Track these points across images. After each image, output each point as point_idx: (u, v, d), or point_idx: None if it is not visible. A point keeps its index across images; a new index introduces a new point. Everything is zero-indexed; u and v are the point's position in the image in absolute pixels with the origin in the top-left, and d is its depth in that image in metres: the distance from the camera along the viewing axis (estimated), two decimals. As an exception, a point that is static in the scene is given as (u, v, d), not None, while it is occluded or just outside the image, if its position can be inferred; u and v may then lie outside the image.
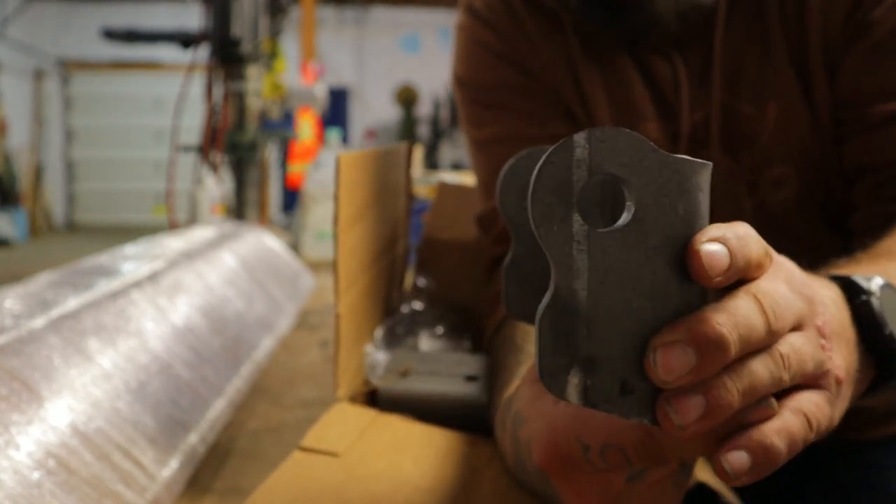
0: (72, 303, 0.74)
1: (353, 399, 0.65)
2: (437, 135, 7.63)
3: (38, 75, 7.71)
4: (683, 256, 0.29)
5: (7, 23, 6.85)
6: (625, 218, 0.28)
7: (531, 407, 0.39)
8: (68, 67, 8.02)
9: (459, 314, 0.85)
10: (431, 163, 7.17)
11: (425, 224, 1.01)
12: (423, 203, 2.19)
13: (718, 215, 0.69)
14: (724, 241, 0.29)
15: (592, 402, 0.29)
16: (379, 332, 0.75)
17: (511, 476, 0.53)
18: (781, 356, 0.30)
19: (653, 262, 0.28)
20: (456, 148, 7.27)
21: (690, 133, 0.67)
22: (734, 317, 0.29)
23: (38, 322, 0.66)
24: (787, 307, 0.30)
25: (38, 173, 7.57)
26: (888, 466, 0.72)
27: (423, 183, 3.32)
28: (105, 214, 8.29)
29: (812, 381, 0.32)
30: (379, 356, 0.70)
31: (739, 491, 0.76)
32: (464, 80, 0.76)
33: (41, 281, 0.86)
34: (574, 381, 0.28)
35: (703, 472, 0.58)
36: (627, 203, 0.28)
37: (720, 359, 0.28)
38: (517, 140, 0.72)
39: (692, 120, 0.66)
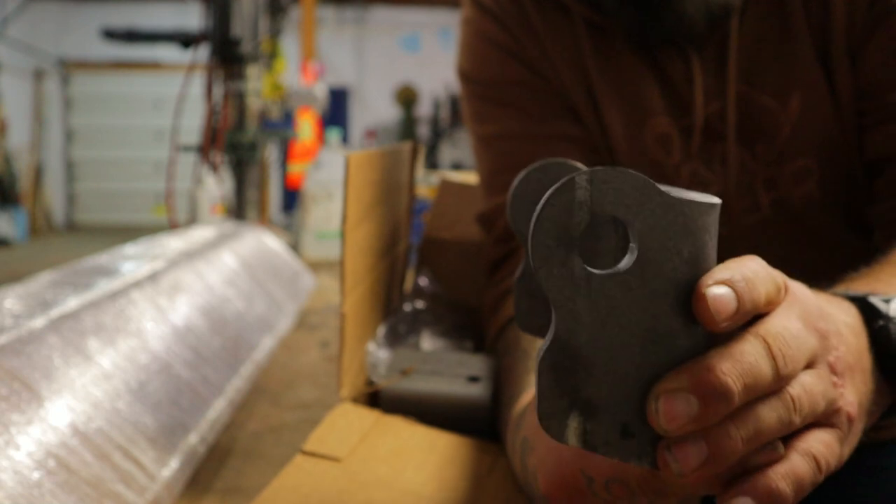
0: (72, 303, 0.74)
1: (356, 399, 0.65)
2: (437, 135, 7.63)
3: (38, 75, 7.71)
4: (688, 300, 0.28)
5: (7, 23, 6.85)
6: (627, 261, 0.27)
7: (538, 435, 0.38)
8: (68, 67, 8.01)
9: (460, 313, 0.85)
10: (431, 163, 7.17)
11: (426, 223, 1.01)
12: (424, 203, 2.19)
13: (735, 210, 0.68)
14: (731, 283, 0.28)
15: (592, 446, 0.28)
16: (381, 331, 0.75)
17: (515, 485, 0.53)
18: (792, 399, 0.29)
19: (656, 305, 0.28)
20: (456, 148, 7.27)
21: (704, 126, 0.66)
22: (740, 364, 0.28)
23: (38, 322, 0.66)
24: (798, 348, 0.30)
25: (38, 173, 7.57)
26: (892, 468, 0.71)
27: (423, 183, 3.32)
28: (105, 214, 8.28)
29: (823, 418, 0.32)
30: (381, 354, 0.70)
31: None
32: (469, 75, 0.75)
33: (41, 281, 0.86)
34: (573, 425, 0.28)
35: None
36: (630, 245, 0.27)
37: (724, 408, 0.27)
38: (521, 137, 0.71)
39: (706, 112, 0.66)
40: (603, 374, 0.28)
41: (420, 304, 0.84)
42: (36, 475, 0.51)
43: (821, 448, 0.31)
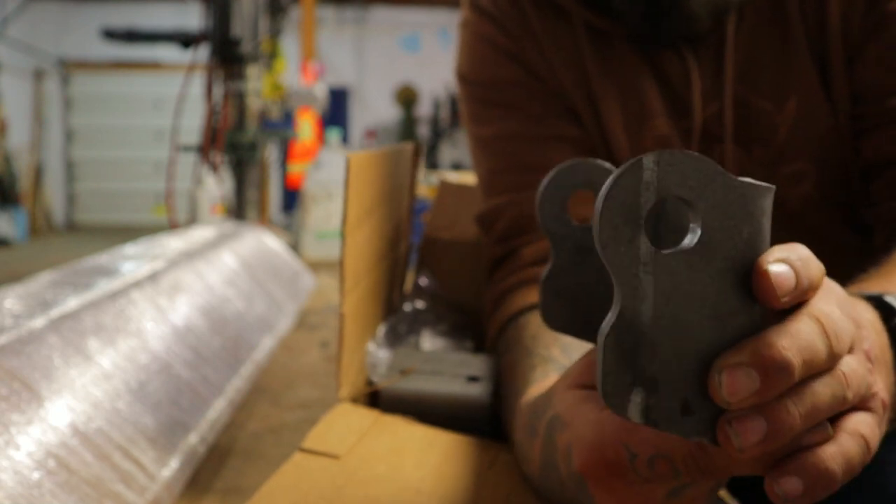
0: (72, 303, 0.74)
1: (356, 399, 0.65)
2: (437, 135, 7.63)
3: (38, 75, 7.71)
4: (746, 279, 0.29)
5: (7, 23, 6.85)
6: (690, 240, 0.28)
7: (574, 412, 0.38)
8: (68, 67, 8.01)
9: (461, 313, 0.85)
10: (431, 163, 7.17)
11: (426, 224, 1.01)
12: (424, 203, 2.19)
13: None
14: (790, 262, 0.29)
15: (654, 422, 0.29)
16: (381, 330, 0.75)
17: (517, 480, 0.53)
18: (844, 376, 0.30)
19: (717, 284, 0.29)
20: (456, 148, 7.27)
21: (703, 128, 0.66)
22: (798, 340, 0.29)
23: (38, 322, 0.66)
24: (845, 329, 0.31)
25: (38, 173, 7.57)
26: (887, 462, 0.72)
27: (424, 183, 3.33)
28: (105, 214, 8.28)
29: (861, 403, 0.32)
30: (381, 354, 0.70)
31: (737, 490, 0.76)
32: (467, 77, 0.75)
33: (41, 281, 0.86)
34: (636, 400, 0.29)
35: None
36: (692, 226, 0.29)
37: (784, 382, 0.28)
38: (520, 138, 0.71)
39: (705, 114, 0.66)
40: (666, 350, 0.29)
41: (420, 304, 0.84)
42: (36, 475, 0.51)
43: (867, 430, 0.31)
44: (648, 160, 0.27)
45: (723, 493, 0.59)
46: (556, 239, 0.42)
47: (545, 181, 0.42)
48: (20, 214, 6.86)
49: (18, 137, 7.25)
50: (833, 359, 0.30)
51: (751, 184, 0.29)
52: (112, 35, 3.52)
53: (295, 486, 0.51)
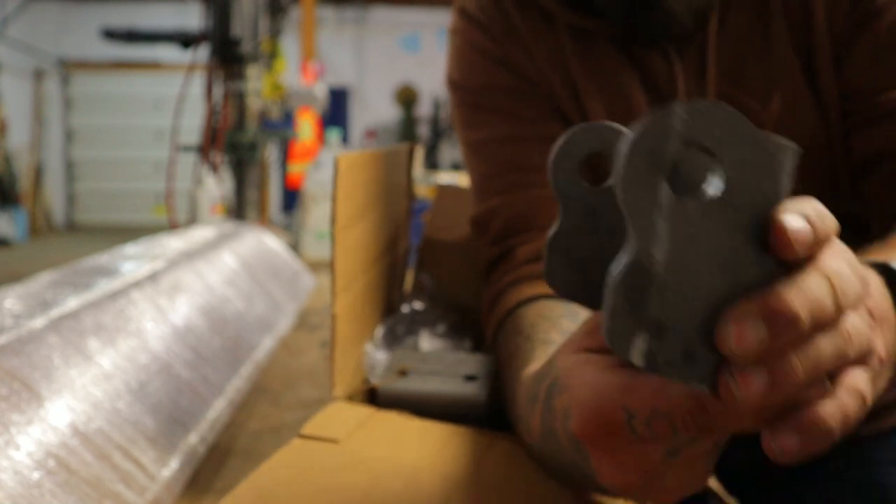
0: (72, 303, 0.74)
1: (352, 398, 0.66)
2: (437, 135, 7.64)
3: (38, 75, 7.71)
4: (760, 232, 0.29)
5: (7, 23, 6.85)
6: (712, 190, 0.29)
7: (573, 374, 0.38)
8: (68, 67, 8.01)
9: (460, 314, 0.85)
10: (431, 163, 7.17)
11: (425, 224, 1.01)
12: (423, 203, 2.19)
13: None
14: (806, 215, 0.29)
15: (655, 365, 0.29)
16: (379, 332, 0.75)
17: (515, 461, 0.53)
18: (848, 333, 0.30)
19: (733, 236, 0.29)
20: (456, 148, 7.27)
21: None
22: (806, 294, 0.29)
23: (38, 322, 0.66)
24: (851, 287, 0.31)
25: (38, 173, 7.57)
26: (882, 461, 0.72)
27: (424, 183, 3.33)
28: (105, 214, 8.28)
29: (860, 360, 0.32)
30: (379, 356, 0.70)
31: (735, 488, 0.76)
32: (457, 83, 0.76)
33: (41, 281, 0.86)
34: (640, 344, 0.29)
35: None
36: (712, 177, 0.29)
37: (791, 335, 0.29)
38: (511, 140, 0.72)
39: None
40: (675, 297, 0.29)
41: (418, 305, 0.84)
42: (36, 475, 0.51)
43: (864, 385, 0.32)
44: (680, 108, 0.28)
45: (721, 492, 0.59)
46: (567, 201, 0.42)
47: (559, 143, 0.41)
48: (20, 214, 6.86)
49: (18, 137, 7.25)
50: (840, 313, 0.30)
51: (776, 140, 0.29)
52: (112, 35, 3.53)
53: (295, 463, 0.51)
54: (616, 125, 0.42)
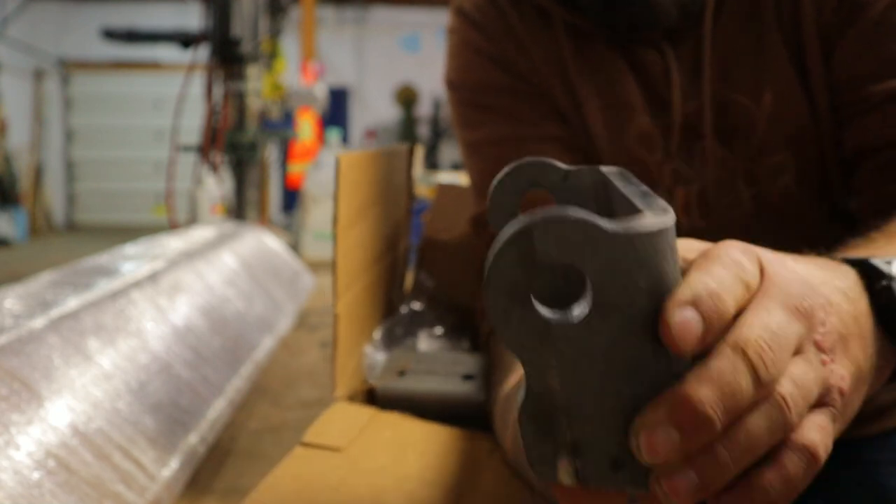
0: (72, 303, 0.74)
1: (352, 398, 0.66)
2: (437, 135, 7.64)
3: (38, 75, 7.71)
4: (655, 327, 0.27)
5: (7, 23, 6.85)
6: (585, 305, 0.27)
7: None
8: (68, 67, 8.01)
9: (459, 314, 0.85)
10: (431, 163, 7.17)
11: (425, 224, 1.01)
12: (423, 203, 2.19)
13: (717, 206, 0.69)
14: (697, 303, 0.27)
15: (586, 482, 0.28)
16: (378, 333, 0.75)
17: (511, 467, 0.54)
18: (783, 399, 0.28)
19: (624, 340, 0.27)
20: (456, 148, 7.26)
21: (683, 125, 0.67)
22: (717, 386, 0.27)
23: (38, 322, 0.66)
24: (781, 346, 0.29)
25: (38, 173, 7.57)
26: (880, 462, 0.72)
27: (424, 183, 3.33)
28: (105, 214, 8.28)
29: (818, 401, 0.31)
30: (378, 357, 0.70)
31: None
32: (455, 83, 0.76)
33: (41, 281, 0.86)
34: (565, 466, 0.28)
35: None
36: (586, 289, 0.27)
37: (705, 436, 0.27)
38: (509, 141, 0.72)
39: (685, 111, 0.67)
40: (582, 414, 0.28)
41: (417, 306, 0.84)
42: (36, 475, 0.51)
43: (815, 436, 0.30)
44: (522, 231, 0.26)
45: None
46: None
47: (494, 183, 0.40)
48: (20, 214, 6.86)
49: (18, 137, 7.25)
50: (765, 388, 0.28)
51: (638, 234, 0.26)
52: (112, 35, 3.53)
53: (298, 476, 0.51)
54: (555, 163, 0.40)
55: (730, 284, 0.28)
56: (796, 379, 0.29)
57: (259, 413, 0.86)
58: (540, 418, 0.28)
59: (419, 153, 5.23)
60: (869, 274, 0.37)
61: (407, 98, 8.04)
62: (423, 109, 7.98)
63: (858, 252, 0.42)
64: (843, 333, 0.33)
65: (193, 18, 3.09)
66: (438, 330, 0.80)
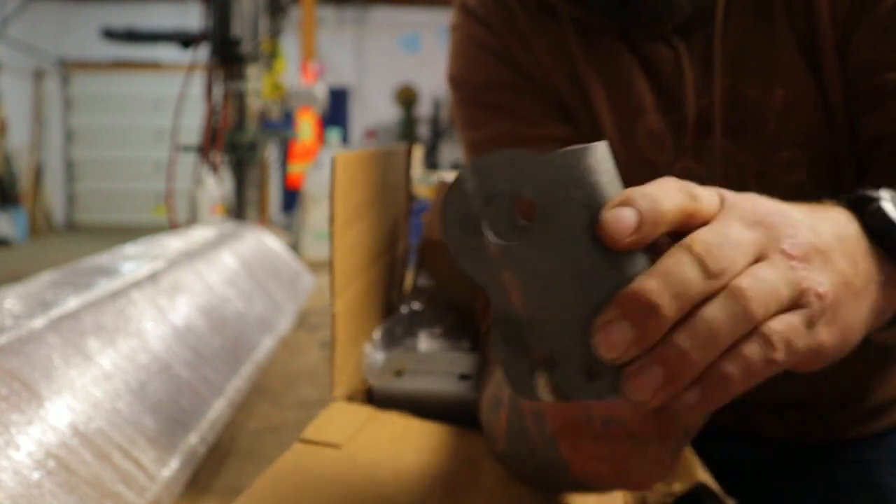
0: (72, 303, 0.74)
1: (352, 398, 0.66)
2: (437, 135, 7.64)
3: (38, 75, 7.71)
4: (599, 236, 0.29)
5: (7, 23, 6.85)
6: (531, 225, 0.29)
7: None
8: (68, 67, 8.01)
9: (458, 314, 0.85)
10: (431, 163, 7.17)
11: (425, 224, 1.01)
12: (423, 203, 2.19)
13: None
14: (630, 202, 0.29)
15: (566, 396, 0.30)
16: (377, 333, 0.75)
17: (502, 461, 0.54)
18: (741, 290, 0.29)
19: (573, 252, 0.29)
20: (456, 148, 7.27)
21: (696, 120, 0.66)
22: (664, 277, 0.28)
23: (38, 322, 0.67)
24: (731, 245, 0.30)
25: (38, 173, 7.57)
26: (877, 462, 0.72)
27: (424, 183, 3.33)
28: (105, 214, 8.29)
29: (791, 303, 0.31)
30: (377, 356, 0.71)
31: (734, 488, 0.76)
32: (458, 80, 0.75)
33: (41, 281, 0.86)
34: (542, 382, 0.30)
35: (703, 474, 0.58)
36: (529, 209, 0.29)
37: (657, 323, 0.28)
38: (512, 140, 0.71)
39: (698, 107, 0.66)
40: (550, 329, 0.29)
41: (417, 306, 0.84)
42: (36, 475, 0.51)
43: (774, 325, 0.30)
44: (465, 172, 0.29)
45: (720, 492, 0.59)
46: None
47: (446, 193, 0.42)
48: (20, 214, 6.86)
49: (18, 137, 7.25)
50: (715, 277, 0.29)
51: (565, 152, 0.29)
52: (112, 35, 3.53)
53: (297, 471, 0.52)
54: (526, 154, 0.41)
55: (668, 191, 0.30)
56: (756, 275, 0.30)
57: (259, 413, 0.87)
58: (511, 339, 0.30)
59: (418, 153, 5.23)
60: (858, 203, 0.38)
61: (407, 98, 8.04)
62: (423, 109, 7.98)
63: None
64: (820, 247, 0.33)
65: (193, 18, 3.09)
66: (438, 329, 0.80)
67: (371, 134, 8.17)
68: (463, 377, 0.66)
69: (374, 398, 0.65)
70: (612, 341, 0.28)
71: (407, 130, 7.83)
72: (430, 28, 8.02)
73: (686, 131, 0.66)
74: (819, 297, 0.32)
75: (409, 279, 1.00)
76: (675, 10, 0.63)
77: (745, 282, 0.30)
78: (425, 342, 0.78)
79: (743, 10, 0.64)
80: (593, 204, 0.29)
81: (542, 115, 0.71)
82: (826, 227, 0.35)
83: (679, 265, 0.29)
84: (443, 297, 0.90)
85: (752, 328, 0.30)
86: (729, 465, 0.72)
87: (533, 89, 0.71)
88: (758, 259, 0.31)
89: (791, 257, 0.32)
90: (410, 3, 7.99)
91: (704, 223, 0.31)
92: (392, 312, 0.84)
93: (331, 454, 0.54)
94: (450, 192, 0.29)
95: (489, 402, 0.52)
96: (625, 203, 0.29)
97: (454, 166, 6.80)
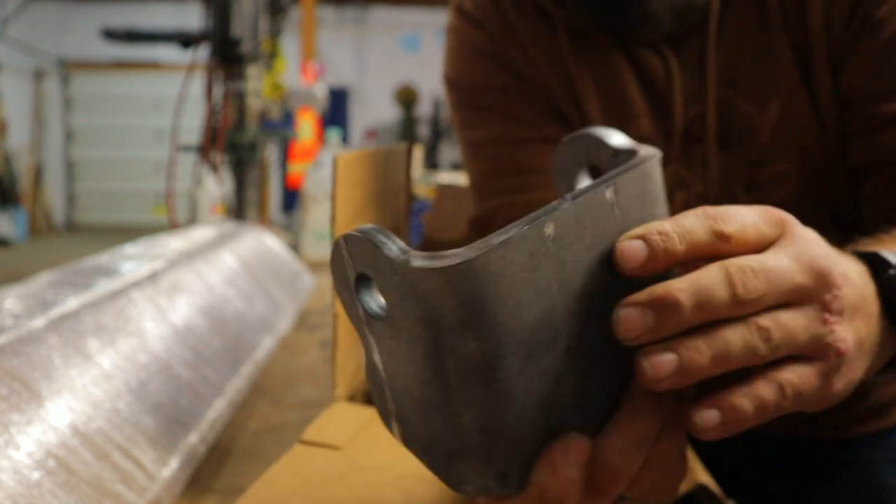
0: (72, 303, 0.74)
1: (352, 398, 0.66)
2: (437, 135, 7.64)
3: (38, 75, 7.71)
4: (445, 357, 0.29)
5: (7, 23, 6.85)
6: (380, 311, 0.30)
7: None
8: (68, 67, 8.02)
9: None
10: (431, 163, 7.17)
11: (425, 224, 1.01)
12: (423, 203, 2.19)
13: None
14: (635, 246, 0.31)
15: (410, 447, 0.32)
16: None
17: None
18: (759, 327, 0.31)
19: (415, 357, 0.29)
20: (456, 148, 7.26)
21: (684, 129, 0.66)
22: (694, 284, 0.30)
23: (38, 322, 0.66)
24: (768, 280, 0.31)
25: (38, 173, 7.57)
26: (877, 461, 0.72)
27: (424, 183, 3.33)
28: (105, 214, 8.29)
29: (805, 353, 0.33)
30: (378, 356, 0.70)
31: (734, 489, 0.76)
32: (454, 82, 0.76)
33: (41, 281, 0.86)
34: (396, 428, 0.32)
35: (703, 475, 0.58)
36: (380, 298, 0.30)
37: (675, 319, 0.30)
38: (508, 142, 0.71)
39: (686, 116, 0.66)
40: (398, 395, 0.31)
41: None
42: (36, 475, 0.51)
43: (790, 377, 0.32)
44: (341, 240, 0.30)
45: (720, 493, 0.59)
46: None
47: (554, 153, 0.43)
48: (20, 214, 6.86)
49: (18, 137, 7.25)
50: (740, 305, 0.31)
51: (419, 269, 0.27)
52: (112, 35, 3.53)
53: (297, 472, 0.52)
54: (609, 139, 0.42)
55: (691, 224, 0.32)
56: (780, 319, 0.32)
57: (259, 413, 0.87)
58: (376, 386, 0.32)
59: (418, 153, 5.23)
60: (877, 264, 0.39)
61: (407, 98, 8.04)
62: (423, 109, 7.99)
63: (867, 248, 0.43)
64: (854, 304, 0.35)
65: (193, 18, 3.09)
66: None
67: (371, 134, 8.17)
68: None
69: (369, 398, 0.65)
70: (633, 321, 0.30)
71: (407, 130, 7.83)
72: (429, 28, 8.02)
73: (673, 140, 0.66)
74: (839, 354, 0.33)
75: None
76: (654, 24, 0.63)
77: (766, 321, 0.31)
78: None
79: (739, 22, 0.64)
80: (435, 322, 0.28)
81: (536, 116, 0.71)
82: (857, 282, 0.36)
83: (711, 280, 0.30)
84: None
85: (765, 364, 0.32)
86: (729, 465, 0.72)
87: (527, 91, 0.71)
88: (792, 301, 0.32)
89: (829, 311, 0.33)
90: (410, 3, 7.99)
91: (749, 249, 0.32)
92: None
93: (331, 456, 0.54)
94: (333, 252, 0.30)
95: None
96: (639, 238, 0.31)
97: (454, 166, 6.80)
